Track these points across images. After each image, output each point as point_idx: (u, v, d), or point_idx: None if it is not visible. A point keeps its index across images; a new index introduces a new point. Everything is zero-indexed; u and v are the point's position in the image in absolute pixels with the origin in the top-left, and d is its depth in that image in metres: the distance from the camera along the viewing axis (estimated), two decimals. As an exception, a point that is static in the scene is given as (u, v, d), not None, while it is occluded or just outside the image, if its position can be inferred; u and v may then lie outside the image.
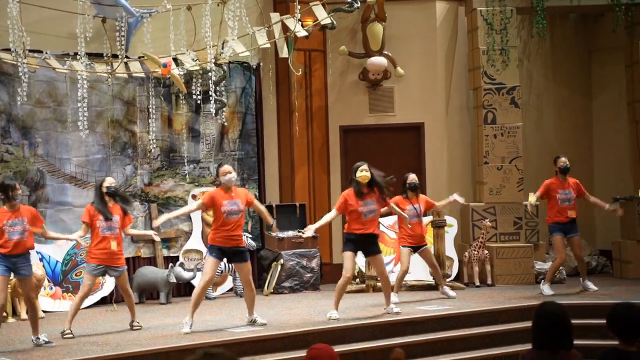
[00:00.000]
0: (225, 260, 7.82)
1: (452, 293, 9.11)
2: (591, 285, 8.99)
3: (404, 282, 9.22)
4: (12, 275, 7.34)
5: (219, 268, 8.07)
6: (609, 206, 9.35)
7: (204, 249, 9.66)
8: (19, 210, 7.22)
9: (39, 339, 6.90)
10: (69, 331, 7.23)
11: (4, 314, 7.97)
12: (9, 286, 7.77)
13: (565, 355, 4.06)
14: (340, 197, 7.98)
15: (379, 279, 8.52)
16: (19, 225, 7.13)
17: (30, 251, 7.48)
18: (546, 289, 8.87)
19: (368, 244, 7.91)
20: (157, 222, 8.96)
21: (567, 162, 8.98)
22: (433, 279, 9.67)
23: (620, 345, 3.32)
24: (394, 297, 8.27)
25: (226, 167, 7.79)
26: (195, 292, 7.60)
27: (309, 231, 8.21)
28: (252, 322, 7.44)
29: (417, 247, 8.88)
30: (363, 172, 7.70)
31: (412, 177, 9.05)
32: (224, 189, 7.52)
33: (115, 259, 7.51)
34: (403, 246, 9.14)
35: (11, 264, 7.13)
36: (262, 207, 8.35)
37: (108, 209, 7.63)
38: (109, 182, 7.86)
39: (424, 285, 9.88)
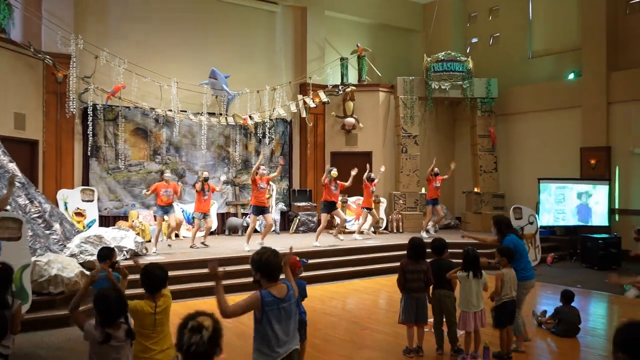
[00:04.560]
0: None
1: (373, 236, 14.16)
2: (432, 232, 14.10)
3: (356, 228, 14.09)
4: (165, 216, 11.51)
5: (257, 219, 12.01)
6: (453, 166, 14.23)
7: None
8: (169, 184, 11.48)
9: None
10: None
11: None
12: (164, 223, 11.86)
13: (422, 262, 6.30)
14: (324, 181, 12.35)
15: (339, 224, 12.81)
16: (170, 191, 11.41)
17: (172, 204, 11.61)
18: (423, 234, 13.65)
19: (334, 206, 12.54)
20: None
21: (437, 170, 13.97)
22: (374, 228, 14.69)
23: None
24: (356, 235, 13.36)
25: (334, 171, 12.28)
26: (248, 231, 11.87)
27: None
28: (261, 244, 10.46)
29: (369, 209, 13.68)
30: (334, 171, 12.45)
31: (370, 174, 13.58)
32: (261, 176, 11.65)
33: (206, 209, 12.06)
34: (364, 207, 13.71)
35: (164, 210, 11.51)
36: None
37: (204, 186, 11.93)
38: (205, 174, 12.19)
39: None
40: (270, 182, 13.34)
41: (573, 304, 7.47)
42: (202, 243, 12.10)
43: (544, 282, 10.86)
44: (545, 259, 13.10)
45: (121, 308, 3.73)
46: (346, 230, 14.61)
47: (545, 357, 6.73)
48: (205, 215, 12.19)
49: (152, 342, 4.13)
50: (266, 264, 3.72)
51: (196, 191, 12.12)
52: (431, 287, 6.46)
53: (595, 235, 13.14)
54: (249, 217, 14.48)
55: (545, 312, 7.83)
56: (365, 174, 13.50)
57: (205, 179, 12.07)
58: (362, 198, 14.13)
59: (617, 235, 13.09)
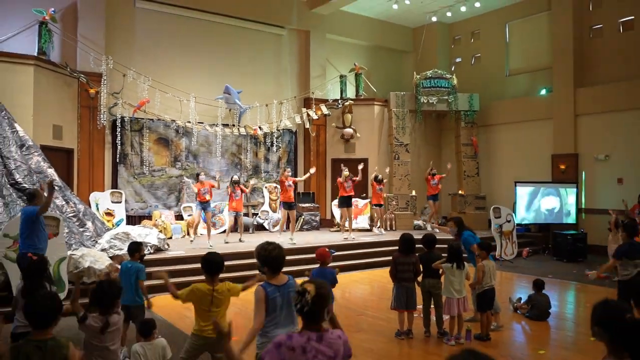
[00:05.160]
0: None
1: (382, 232, 14.01)
2: (429, 227, 14.10)
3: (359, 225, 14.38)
4: (203, 212, 11.63)
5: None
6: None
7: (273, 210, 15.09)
8: (203, 184, 11.50)
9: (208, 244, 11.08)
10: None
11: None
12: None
13: (411, 255, 6.39)
14: (339, 181, 12.77)
15: (348, 222, 12.98)
16: (206, 189, 11.44)
17: (209, 202, 11.57)
18: (428, 226, 14.27)
19: (350, 201, 12.95)
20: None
21: (435, 171, 14.32)
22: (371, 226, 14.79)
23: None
24: (375, 230, 13.61)
25: (287, 172, 12.40)
26: (281, 223, 13.00)
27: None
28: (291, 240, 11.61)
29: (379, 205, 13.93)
30: (346, 171, 12.81)
31: (377, 174, 13.73)
32: (287, 177, 12.17)
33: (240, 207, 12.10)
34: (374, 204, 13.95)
35: (202, 207, 11.56)
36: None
37: (235, 187, 11.91)
38: (236, 177, 12.21)
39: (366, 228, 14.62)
40: (277, 185, 13.37)
41: (544, 292, 7.55)
42: (240, 240, 12.04)
43: (520, 273, 10.99)
44: (521, 253, 13.17)
45: (115, 298, 3.79)
46: (345, 228, 14.56)
47: (520, 338, 6.79)
48: (237, 214, 12.09)
49: (207, 322, 4.21)
50: (273, 259, 3.69)
51: (229, 193, 12.00)
52: (421, 277, 6.54)
53: (564, 232, 13.22)
54: (258, 217, 14.64)
55: (520, 298, 7.89)
56: (372, 175, 13.81)
57: (236, 182, 12.02)
58: (359, 200, 14.25)
59: (584, 232, 13.19)
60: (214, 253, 4.51)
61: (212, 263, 4.34)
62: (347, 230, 13.07)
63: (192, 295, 4.28)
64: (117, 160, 13.04)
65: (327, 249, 5.84)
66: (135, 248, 5.78)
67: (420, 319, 6.71)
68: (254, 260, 4.00)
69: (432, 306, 6.56)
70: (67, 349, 2.93)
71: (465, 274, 6.30)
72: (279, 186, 13.82)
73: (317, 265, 5.98)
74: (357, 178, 13.01)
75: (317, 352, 2.46)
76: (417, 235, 7.06)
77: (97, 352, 3.68)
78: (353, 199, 13.78)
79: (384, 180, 14.13)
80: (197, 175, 12.09)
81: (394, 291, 6.51)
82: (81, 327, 3.75)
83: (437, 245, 6.69)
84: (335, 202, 14.20)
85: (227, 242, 11.76)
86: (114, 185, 13.03)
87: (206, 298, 4.24)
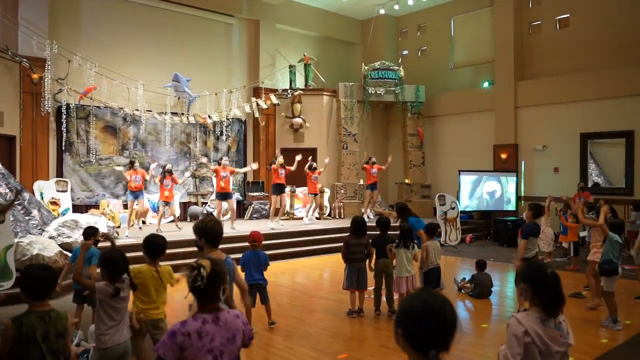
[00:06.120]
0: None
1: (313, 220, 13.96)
2: (371, 215, 14.10)
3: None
4: (135, 201, 11.39)
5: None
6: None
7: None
8: (137, 171, 11.37)
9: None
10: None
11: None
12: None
13: (362, 237, 6.56)
14: (273, 167, 12.68)
15: (280, 208, 12.84)
16: (139, 177, 11.33)
17: (142, 190, 11.44)
18: (365, 216, 13.96)
19: (283, 189, 12.71)
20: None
21: (374, 160, 14.30)
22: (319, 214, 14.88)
23: None
24: (305, 219, 13.50)
25: (225, 160, 12.18)
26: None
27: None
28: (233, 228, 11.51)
29: (315, 194, 13.60)
30: (280, 158, 12.84)
31: (312, 164, 13.49)
32: (223, 166, 11.91)
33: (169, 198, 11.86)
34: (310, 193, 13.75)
35: (135, 195, 11.36)
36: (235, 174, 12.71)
37: (166, 177, 11.76)
38: (169, 166, 12.07)
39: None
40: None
41: (486, 271, 8.00)
42: (176, 225, 12.15)
43: (464, 257, 11.51)
44: (464, 239, 13.75)
45: (125, 265, 3.84)
46: (295, 216, 14.84)
47: (464, 314, 7.18)
48: (167, 204, 12.06)
49: (150, 303, 4.25)
50: (211, 230, 3.66)
51: (159, 182, 11.97)
52: (374, 260, 6.79)
53: (505, 219, 13.88)
54: (208, 206, 14.56)
55: (464, 279, 8.34)
56: (307, 165, 13.51)
57: (169, 171, 11.99)
58: (306, 189, 14.32)
59: (523, 218, 13.75)
60: (156, 234, 4.50)
61: (154, 244, 4.33)
62: (276, 217, 12.98)
63: (139, 280, 4.18)
64: (63, 148, 12.74)
65: (260, 232, 6.13)
66: (92, 232, 5.77)
67: (370, 300, 6.99)
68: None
69: (383, 288, 6.84)
70: (67, 320, 3.01)
71: (414, 254, 6.61)
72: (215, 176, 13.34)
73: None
74: (292, 168, 12.91)
75: (214, 334, 2.35)
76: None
77: (110, 310, 3.75)
78: (300, 189, 13.96)
79: (320, 170, 13.76)
80: (131, 163, 11.96)
81: (346, 271, 6.75)
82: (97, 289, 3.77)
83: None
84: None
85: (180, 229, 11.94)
86: (59, 174, 12.73)
87: (149, 280, 4.22)
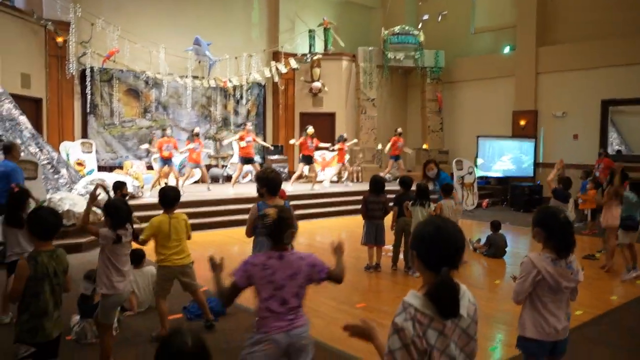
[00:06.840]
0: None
1: (349, 183, 14.58)
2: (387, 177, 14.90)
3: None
4: (166, 167, 11.65)
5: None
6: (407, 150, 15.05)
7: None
8: (170, 140, 11.56)
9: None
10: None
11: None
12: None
13: (381, 195, 6.92)
14: (301, 139, 13.14)
15: (313, 176, 13.54)
16: (170, 145, 11.61)
17: (172, 159, 11.67)
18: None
19: (310, 160, 13.40)
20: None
21: (400, 131, 14.55)
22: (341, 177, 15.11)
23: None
24: (325, 182, 13.92)
25: (249, 126, 12.62)
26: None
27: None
28: None
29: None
30: (310, 129, 13.19)
31: (342, 134, 14.02)
32: (247, 131, 12.31)
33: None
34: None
35: (165, 162, 11.61)
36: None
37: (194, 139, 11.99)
38: (197, 130, 12.35)
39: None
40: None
41: (500, 232, 8.19)
42: (208, 188, 12.36)
43: (480, 221, 11.63)
44: (481, 204, 13.89)
45: (129, 215, 4.08)
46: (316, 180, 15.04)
47: (479, 272, 7.41)
48: (196, 166, 12.22)
49: (171, 251, 4.56)
50: (270, 180, 4.08)
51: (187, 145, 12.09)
52: (393, 218, 6.97)
53: (522, 184, 13.98)
54: (227, 168, 14.84)
55: (479, 239, 8.55)
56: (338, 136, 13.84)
57: (196, 134, 12.11)
58: (326, 153, 14.64)
59: (540, 184, 13.92)
60: (170, 186, 4.81)
61: (167, 196, 4.61)
62: (317, 182, 13.44)
63: (152, 229, 4.51)
64: (87, 111, 13.06)
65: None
66: (120, 185, 6.07)
67: (387, 258, 7.24)
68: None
69: (401, 246, 7.05)
70: (66, 258, 3.32)
71: (429, 211, 6.80)
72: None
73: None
74: (326, 145, 13.48)
75: (277, 269, 2.68)
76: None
77: (112, 256, 3.95)
78: (317, 153, 14.19)
79: (349, 142, 14.18)
80: (163, 130, 12.16)
81: (364, 228, 7.00)
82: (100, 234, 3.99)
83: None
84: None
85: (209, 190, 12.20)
86: (84, 135, 13.06)
87: (165, 226, 4.51)
